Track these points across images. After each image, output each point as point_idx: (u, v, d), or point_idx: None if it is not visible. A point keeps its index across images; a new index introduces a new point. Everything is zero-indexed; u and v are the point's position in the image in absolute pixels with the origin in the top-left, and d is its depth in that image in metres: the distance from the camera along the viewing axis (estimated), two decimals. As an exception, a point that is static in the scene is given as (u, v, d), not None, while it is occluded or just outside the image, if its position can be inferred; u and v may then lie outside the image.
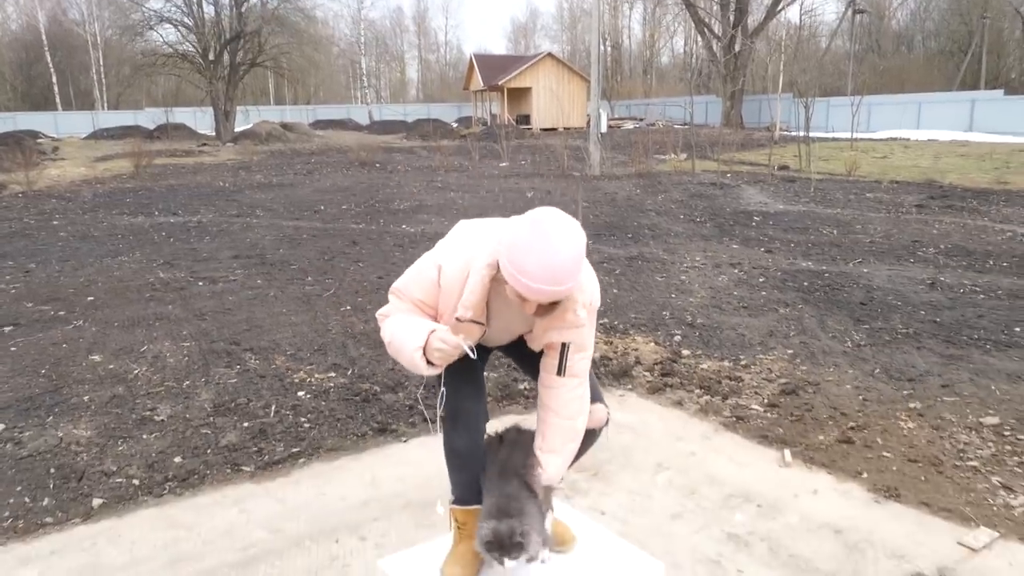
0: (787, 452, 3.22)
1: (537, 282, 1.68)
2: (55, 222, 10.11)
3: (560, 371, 1.95)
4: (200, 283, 6.30)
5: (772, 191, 12.73)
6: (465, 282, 1.84)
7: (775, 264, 6.94)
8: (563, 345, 1.93)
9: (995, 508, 2.75)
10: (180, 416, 3.59)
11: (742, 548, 2.54)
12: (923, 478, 2.98)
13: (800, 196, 11.99)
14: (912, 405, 3.65)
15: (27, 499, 2.87)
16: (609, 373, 4.22)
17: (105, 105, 49.51)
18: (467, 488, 2.03)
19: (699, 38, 42.56)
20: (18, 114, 41.89)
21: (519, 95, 41.08)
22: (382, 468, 3.15)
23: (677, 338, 4.80)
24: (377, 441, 3.41)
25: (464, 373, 2.01)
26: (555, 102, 37.27)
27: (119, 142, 30.98)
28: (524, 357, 2.12)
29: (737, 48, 34.65)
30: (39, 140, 30.22)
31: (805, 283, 6.18)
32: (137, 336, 4.78)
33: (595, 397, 2.08)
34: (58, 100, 49.33)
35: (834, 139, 26.55)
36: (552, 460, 2.01)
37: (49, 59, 47.94)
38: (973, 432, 3.34)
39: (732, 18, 36.25)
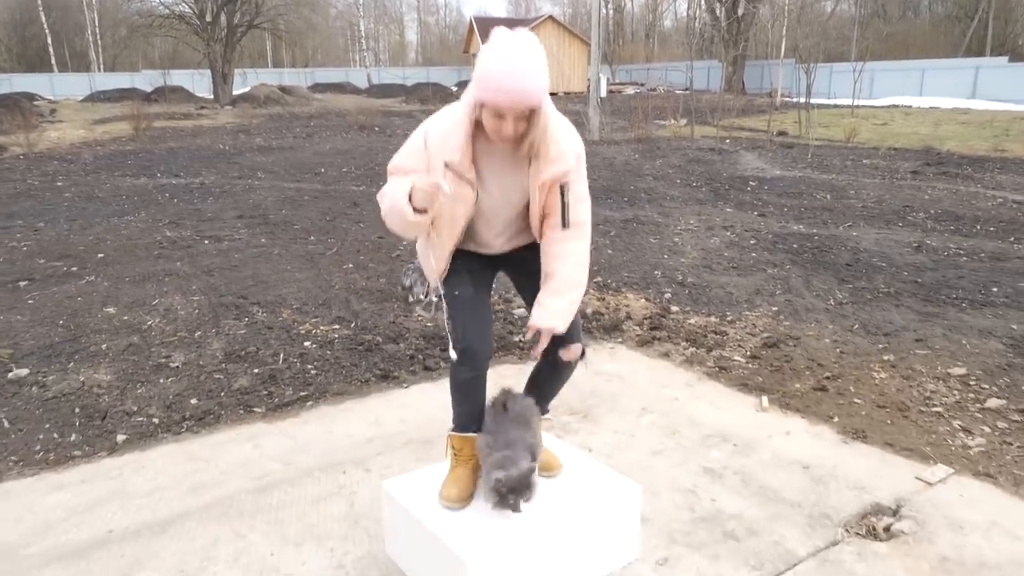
0: (765, 398, 3.43)
1: (498, 80, 1.81)
2: (59, 183, 10.23)
3: (564, 222, 2.04)
4: (206, 242, 6.48)
5: (770, 157, 12.82)
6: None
7: (767, 227, 7.11)
8: (562, 191, 2.02)
9: (953, 448, 2.97)
10: (194, 363, 3.79)
11: (716, 480, 2.76)
12: (890, 422, 3.20)
13: (797, 162, 12.10)
14: (886, 357, 3.86)
15: (56, 435, 3.09)
16: (600, 327, 4.42)
17: (101, 67, 49.04)
18: (467, 418, 2.21)
19: (702, 1, 42.03)
20: (14, 75, 41.51)
21: (520, 59, 40.69)
22: (385, 410, 3.36)
23: (667, 295, 4.99)
24: (380, 387, 3.62)
25: (471, 310, 2.15)
26: (556, 66, 37.02)
27: (116, 105, 30.76)
28: (526, 277, 2.22)
29: (740, 12, 34.28)
30: (36, 102, 30.07)
31: (795, 245, 6.35)
32: (148, 291, 4.97)
33: (575, 336, 2.23)
34: (53, 62, 48.82)
35: (835, 106, 26.47)
36: (555, 302, 2.06)
37: (44, 20, 47.33)
38: (940, 382, 3.56)
39: (736, -19, 35.77)
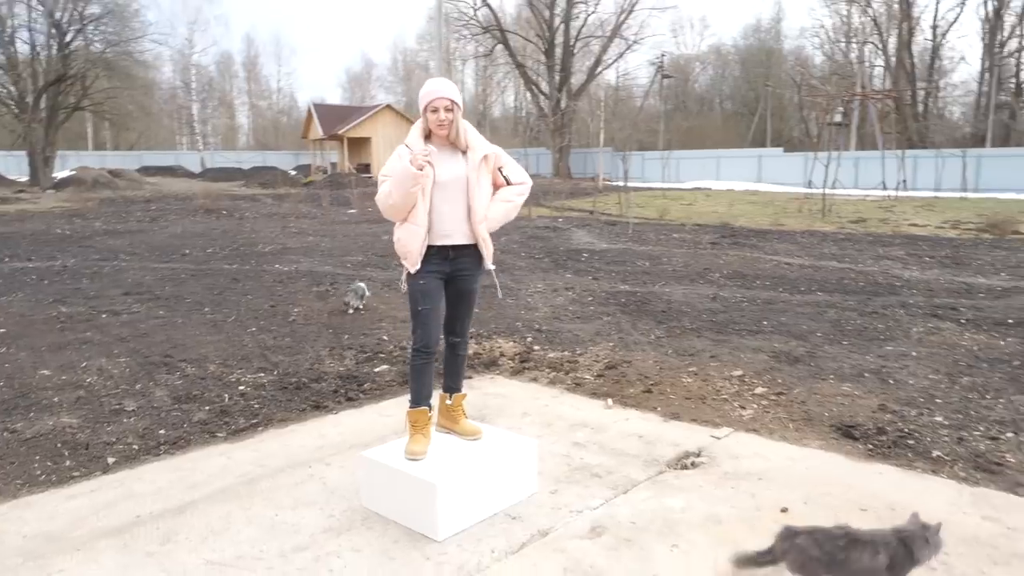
0: (609, 400, 4.69)
1: (429, 87, 3.17)
2: (-101, 269, 9.87)
3: (508, 183, 3.31)
4: (103, 315, 6.90)
5: (597, 233, 14.81)
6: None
7: (600, 288, 8.65)
8: (500, 171, 3.30)
9: (733, 418, 4.36)
10: (148, 406, 4.44)
11: (582, 448, 3.92)
12: (694, 407, 4.55)
13: (620, 237, 14.12)
14: (691, 369, 5.29)
15: (50, 463, 3.67)
16: (481, 364, 5.53)
17: None
18: (419, 394, 3.25)
19: (528, 94, 46.00)
20: None
21: (359, 144, 42.09)
22: (325, 428, 4.23)
23: (529, 339, 6.22)
24: (315, 414, 4.47)
25: (429, 320, 3.21)
26: (393, 150, 38.64)
27: (-87, 189, 28.27)
28: (460, 295, 3.33)
29: (563, 106, 38.05)
30: None
31: (623, 300, 7.89)
32: (71, 356, 5.44)
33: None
34: None
35: (649, 188, 30.01)
36: (516, 187, 3.34)
37: None
38: (727, 380, 5.01)
39: (558, 79, 39.76)
